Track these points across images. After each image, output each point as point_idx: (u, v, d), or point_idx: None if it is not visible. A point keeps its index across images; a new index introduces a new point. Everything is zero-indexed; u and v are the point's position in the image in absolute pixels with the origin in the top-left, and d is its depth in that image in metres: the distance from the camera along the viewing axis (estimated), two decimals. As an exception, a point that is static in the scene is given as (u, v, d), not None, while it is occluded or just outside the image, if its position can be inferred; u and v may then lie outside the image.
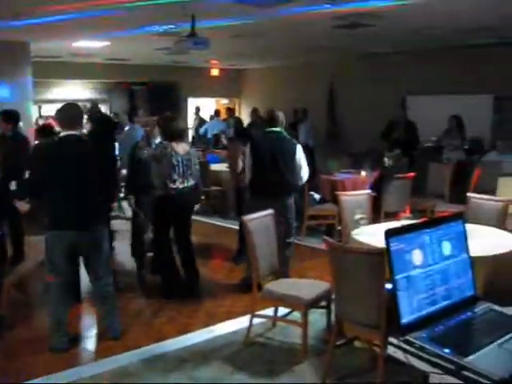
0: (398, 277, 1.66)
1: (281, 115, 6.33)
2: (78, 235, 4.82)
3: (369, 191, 6.35)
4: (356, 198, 6.10)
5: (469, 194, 6.19)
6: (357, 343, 4.67)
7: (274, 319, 5.25)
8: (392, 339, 1.63)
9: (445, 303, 1.79)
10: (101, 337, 5.24)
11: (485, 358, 1.54)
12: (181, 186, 6.09)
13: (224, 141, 13.91)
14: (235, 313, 5.68)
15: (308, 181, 6.73)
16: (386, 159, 8.98)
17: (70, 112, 4.98)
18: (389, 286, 1.64)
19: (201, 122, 16.44)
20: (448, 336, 1.65)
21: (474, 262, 4.04)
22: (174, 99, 17.23)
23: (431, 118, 12.20)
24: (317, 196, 8.86)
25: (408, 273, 1.69)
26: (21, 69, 11.14)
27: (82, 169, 4.83)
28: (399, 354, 1.62)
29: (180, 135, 6.28)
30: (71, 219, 4.79)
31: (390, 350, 1.65)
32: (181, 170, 6.08)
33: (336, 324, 4.23)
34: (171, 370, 4.52)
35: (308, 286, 4.87)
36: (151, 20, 8.62)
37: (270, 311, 5.26)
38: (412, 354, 1.60)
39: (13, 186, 6.87)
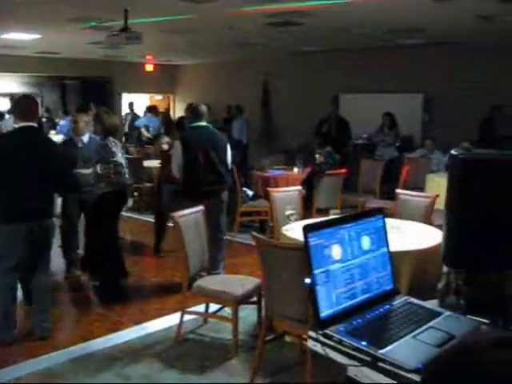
0: (316, 271, 1.68)
1: (203, 108, 6.24)
2: (30, 227, 4.74)
3: (299, 187, 6.41)
4: (287, 194, 6.15)
5: (397, 191, 6.33)
6: (287, 338, 4.71)
7: (206, 315, 5.25)
8: (311, 333, 1.65)
9: (364, 297, 1.83)
10: (29, 336, 5.11)
11: (400, 349, 1.58)
12: (124, 183, 6.05)
13: (147, 135, 13.90)
14: (167, 310, 5.65)
15: (241, 177, 6.75)
16: (317, 156, 9.09)
17: (25, 104, 4.89)
18: (308, 280, 1.66)
19: (134, 117, 16.27)
20: (365, 329, 1.68)
21: (401, 256, 4.21)
22: (107, 94, 16.98)
23: (363, 116, 12.42)
24: (250, 192, 8.90)
25: (327, 267, 1.72)
26: None
27: (37, 160, 4.74)
28: (319, 348, 1.64)
29: (113, 132, 6.15)
30: (25, 211, 4.71)
31: (310, 344, 1.67)
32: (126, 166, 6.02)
33: (266, 319, 4.26)
34: (100, 369, 4.46)
35: (238, 282, 4.88)
36: (83, 13, 8.46)
37: (201, 308, 5.26)
38: (330, 347, 1.63)
39: None
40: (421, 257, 4.36)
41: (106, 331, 5.19)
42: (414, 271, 4.28)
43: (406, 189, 6.89)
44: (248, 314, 5.29)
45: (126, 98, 17.65)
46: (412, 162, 9.96)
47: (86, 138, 6.65)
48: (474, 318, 2.11)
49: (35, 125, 4.88)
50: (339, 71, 13.44)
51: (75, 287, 6.56)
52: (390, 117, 11.10)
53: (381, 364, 1.54)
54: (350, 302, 1.78)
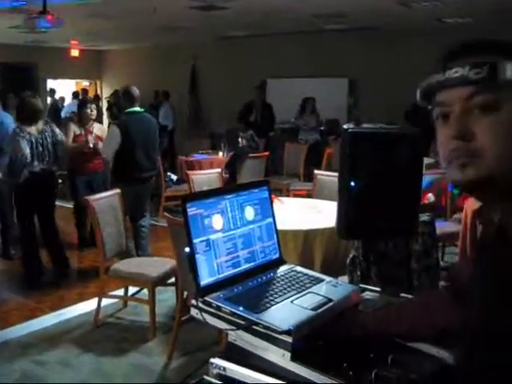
0: (196, 240, 1.71)
1: (137, 92, 6.14)
2: None
3: (219, 170, 6.45)
4: (206, 176, 6.19)
5: (316, 171, 6.44)
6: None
7: (124, 299, 5.25)
8: (193, 301, 1.69)
9: (247, 266, 1.87)
10: None
11: (275, 313, 1.63)
12: (37, 169, 5.85)
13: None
14: (87, 295, 5.61)
15: (166, 162, 6.75)
16: (239, 139, 9.14)
17: None
18: (187, 249, 1.69)
19: (56, 103, 15.95)
20: (245, 296, 1.72)
21: (314, 234, 4.30)
22: (31, 80, 16.55)
23: (289, 101, 12.54)
24: (174, 177, 8.89)
25: (207, 237, 1.75)
26: None
27: None
28: (199, 315, 1.68)
29: (34, 117, 5.93)
30: None
31: (193, 312, 1.70)
32: (35, 151, 5.84)
33: (180, 299, 4.30)
34: (15, 356, 4.40)
35: (155, 264, 4.90)
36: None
37: (121, 292, 5.25)
38: (210, 313, 1.66)
39: None
40: (334, 235, 4.45)
41: (23, 319, 5.11)
42: (327, 249, 4.38)
43: (332, 171, 6.99)
44: (169, 297, 5.30)
45: (52, 84, 17.26)
46: (337, 144, 10.10)
47: None
48: (370, 287, 2.20)
49: None
50: (266, 56, 13.53)
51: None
52: (312, 100, 11.23)
53: (255, 327, 1.58)
54: (233, 271, 1.81)
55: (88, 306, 5.31)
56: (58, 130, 6.13)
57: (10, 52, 15.42)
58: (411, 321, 1.66)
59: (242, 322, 1.60)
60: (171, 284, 4.97)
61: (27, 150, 5.70)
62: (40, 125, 5.96)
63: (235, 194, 1.87)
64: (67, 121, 7.16)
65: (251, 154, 8.57)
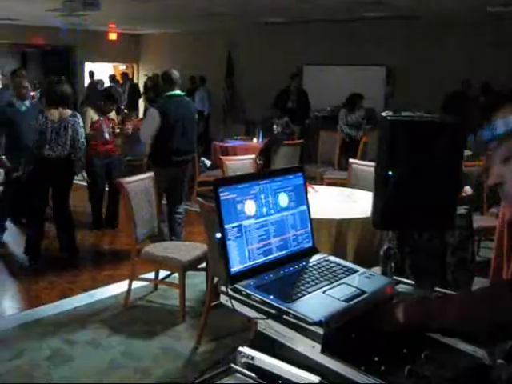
0: (227, 226, 1.67)
1: (177, 75, 6.11)
2: None
3: (253, 156, 6.41)
4: (240, 162, 6.16)
5: (351, 160, 6.36)
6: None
7: (155, 282, 5.26)
8: (223, 288, 1.65)
9: (279, 254, 1.82)
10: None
11: (306, 303, 1.59)
12: (50, 154, 5.87)
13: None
14: (118, 277, 5.64)
15: (201, 147, 6.74)
16: (274, 126, 9.08)
17: None
18: (218, 235, 1.65)
19: (94, 85, 16.03)
20: (276, 284, 1.68)
21: (347, 223, 4.25)
22: (69, 63, 16.70)
23: (326, 88, 12.43)
24: (207, 162, 8.88)
25: (239, 222, 1.71)
26: None
27: None
28: (229, 302, 1.65)
29: (60, 102, 5.96)
30: None
31: (222, 299, 1.67)
32: (50, 137, 5.85)
33: (210, 284, 4.28)
34: (46, 334, 4.45)
35: (186, 249, 4.89)
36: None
37: (151, 275, 5.26)
38: (240, 301, 1.63)
39: None
40: (368, 225, 4.39)
41: (54, 298, 5.18)
42: (361, 239, 4.33)
43: (367, 160, 6.91)
44: (199, 282, 5.31)
45: (89, 67, 17.38)
46: (373, 135, 9.95)
47: (28, 103, 6.57)
48: (405, 280, 2.14)
49: None
50: (303, 43, 13.42)
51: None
52: (360, 98, 10.76)
53: (286, 317, 1.54)
54: (264, 259, 1.77)
55: (119, 288, 5.33)
56: (81, 126, 6.12)
57: (50, 35, 15.53)
58: (461, 314, 1.59)
59: (272, 311, 1.57)
60: (202, 269, 4.97)
61: (37, 136, 5.77)
62: (65, 113, 5.97)
63: (269, 179, 1.82)
64: (86, 107, 7.16)
65: (286, 141, 8.51)
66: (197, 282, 5.31)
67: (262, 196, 1.79)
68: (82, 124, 6.13)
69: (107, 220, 7.43)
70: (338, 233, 4.23)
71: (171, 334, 4.51)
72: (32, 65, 16.52)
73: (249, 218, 1.74)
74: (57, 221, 6.24)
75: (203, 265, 4.91)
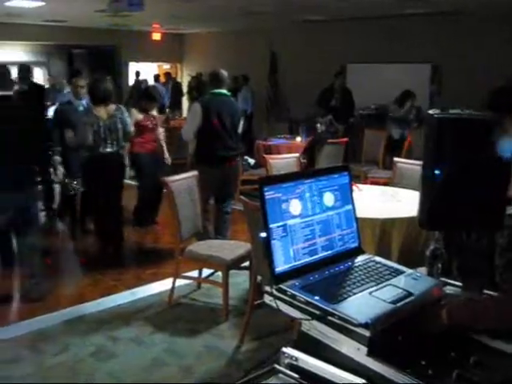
0: (272, 225, 1.66)
1: (224, 75, 6.12)
2: (13, 196, 4.75)
3: (297, 154, 6.38)
4: (284, 161, 6.14)
5: (395, 159, 6.28)
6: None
7: (198, 280, 5.27)
8: (267, 288, 1.64)
9: (325, 254, 1.80)
10: (23, 298, 5.17)
11: (352, 305, 1.56)
12: (103, 151, 5.96)
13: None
14: (161, 275, 5.67)
15: (244, 145, 6.72)
16: (318, 125, 9.03)
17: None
18: (263, 234, 1.64)
19: (138, 85, 16.19)
20: (322, 285, 1.66)
21: (392, 222, 4.19)
22: (114, 63, 16.90)
23: (370, 87, 12.30)
24: (251, 161, 8.88)
25: (284, 222, 1.69)
26: None
27: (11, 129, 4.71)
28: (273, 302, 1.63)
29: (104, 99, 6.04)
30: (3, 180, 4.70)
31: (266, 299, 1.66)
32: (103, 135, 5.95)
33: (254, 283, 4.27)
34: (90, 331, 4.51)
35: (230, 247, 4.89)
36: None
37: (195, 273, 5.28)
38: (284, 301, 1.62)
39: None
40: (413, 225, 4.33)
41: (98, 295, 5.23)
42: (405, 238, 4.27)
43: (413, 159, 6.80)
44: (243, 280, 5.30)
45: (134, 67, 17.57)
46: (419, 134, 9.79)
47: (85, 102, 6.68)
48: (452, 281, 2.09)
49: (10, 93, 4.86)
50: (347, 41, 13.30)
51: (73, 250, 6.60)
52: (413, 96, 10.52)
53: (331, 318, 1.52)
54: (310, 259, 1.75)
55: (162, 285, 5.36)
56: (128, 119, 6.23)
57: (95, 35, 15.76)
58: (506, 315, 1.55)
59: (317, 312, 1.55)
60: (245, 268, 4.96)
61: (90, 135, 5.83)
62: (111, 109, 6.06)
63: (314, 178, 1.81)
64: (130, 107, 7.26)
65: (330, 140, 8.46)
66: (240, 280, 5.31)
67: (308, 195, 1.78)
68: (127, 114, 6.26)
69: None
70: (382, 232, 4.18)
71: (214, 332, 4.51)
72: (78, 65, 16.72)
73: (294, 217, 1.72)
74: (108, 217, 6.31)
75: (246, 263, 4.90)
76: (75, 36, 15.65)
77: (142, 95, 7.42)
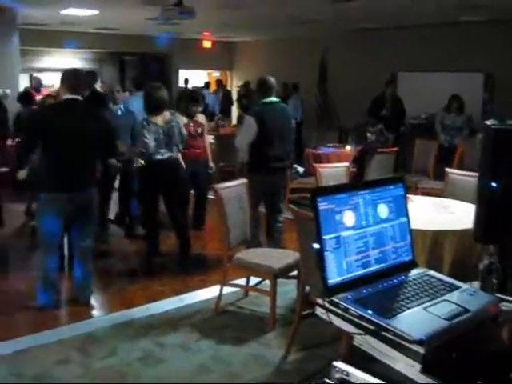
0: (325, 237, 1.63)
1: (274, 82, 6.07)
2: (73, 197, 4.84)
3: (346, 164, 6.33)
4: (333, 170, 6.09)
5: (447, 170, 6.16)
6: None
7: (245, 288, 5.26)
8: (319, 300, 1.62)
9: (378, 267, 1.76)
10: (73, 301, 5.25)
11: (406, 320, 1.52)
12: (162, 157, 6.01)
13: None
14: (209, 282, 5.68)
15: (293, 153, 6.68)
16: (368, 134, 8.96)
17: (74, 77, 4.96)
18: (316, 246, 1.61)
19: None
20: (374, 298, 1.63)
21: (444, 235, 4.11)
22: (164, 70, 17.10)
23: (421, 95, 12.15)
24: (300, 169, 8.85)
25: (338, 233, 1.66)
26: (7, 36, 10.99)
27: (82, 132, 4.84)
28: (325, 315, 1.60)
29: (159, 108, 6.08)
30: (69, 181, 4.82)
31: (318, 311, 1.63)
32: (162, 141, 6.00)
33: (302, 293, 4.24)
34: (138, 336, 4.54)
35: (278, 256, 4.86)
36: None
37: (242, 281, 5.27)
38: (336, 314, 1.59)
39: None
40: (466, 237, 4.23)
41: (146, 300, 5.28)
42: (457, 251, 4.18)
43: (465, 170, 6.67)
44: (290, 290, 5.27)
45: (186, 74, 17.75)
46: (470, 143, 9.61)
47: (122, 107, 6.78)
48: (508, 298, 2.03)
49: (80, 98, 4.95)
50: (397, 49, 13.18)
51: (122, 256, 6.66)
52: (459, 100, 10.44)
53: (384, 333, 1.49)
54: (363, 271, 1.72)
55: (209, 292, 5.37)
56: (182, 123, 6.28)
57: (147, 43, 16.00)
58: None
59: (371, 327, 1.52)
60: (293, 277, 4.92)
61: (152, 143, 5.88)
62: (167, 115, 6.10)
63: (369, 189, 1.78)
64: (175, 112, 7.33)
65: (380, 149, 8.37)
66: (287, 289, 5.28)
67: (362, 206, 1.75)
68: (180, 120, 6.30)
69: (193, 223, 7.56)
70: (433, 244, 4.10)
71: (261, 340, 4.49)
72: (130, 72, 17.04)
73: (347, 229, 1.70)
74: (173, 221, 6.34)
75: (294, 273, 4.86)
76: (127, 43, 15.94)
77: (185, 98, 7.47)
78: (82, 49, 16.38)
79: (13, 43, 11.13)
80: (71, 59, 16.71)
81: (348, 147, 9.08)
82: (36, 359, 4.20)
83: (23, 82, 13.09)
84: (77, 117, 4.86)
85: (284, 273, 4.75)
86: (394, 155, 8.34)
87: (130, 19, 12.36)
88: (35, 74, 15.69)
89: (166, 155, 6.00)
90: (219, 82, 17.27)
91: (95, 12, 11.31)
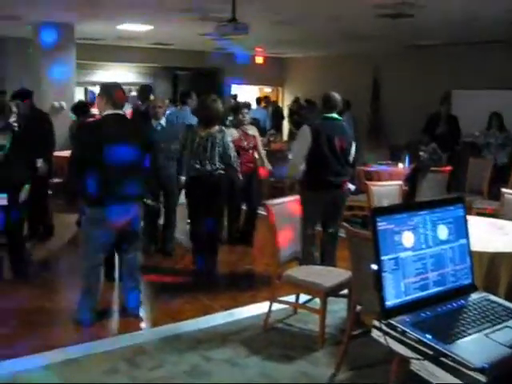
0: (384, 258, 1.60)
1: (338, 99, 6.00)
2: (123, 210, 4.88)
3: (399, 182, 6.23)
4: (385, 188, 6.02)
5: (503, 190, 6.01)
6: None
7: (294, 305, 5.22)
8: (375, 322, 1.58)
9: (437, 289, 1.72)
10: (121, 313, 5.32)
11: (467, 346, 1.47)
12: (200, 171, 6.06)
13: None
14: (258, 298, 5.66)
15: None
16: (421, 152, 8.82)
17: (116, 91, 5.01)
18: (374, 266, 1.58)
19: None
20: (433, 322, 1.58)
21: (501, 257, 4.00)
22: (216, 85, 17.23)
23: (474, 114, 11.93)
24: (351, 187, 8.75)
25: (396, 254, 1.63)
26: (66, 50, 11.26)
27: (127, 146, 4.88)
28: (382, 338, 1.56)
29: (211, 122, 6.15)
30: (117, 195, 4.84)
31: (374, 334, 1.59)
32: (203, 154, 6.05)
33: (353, 313, 4.18)
34: (186, 349, 4.54)
35: (329, 274, 4.82)
36: (192, 4, 8.59)
37: (292, 298, 5.23)
38: (394, 337, 1.54)
39: (39, 163, 6.97)
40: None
41: (195, 314, 5.28)
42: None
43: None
44: (340, 308, 5.21)
45: (235, 90, 17.86)
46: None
47: (163, 122, 6.83)
48: None
49: (122, 112, 5.01)
50: (451, 66, 12.99)
51: (170, 269, 6.68)
52: (498, 117, 10.43)
53: (444, 359, 1.44)
54: (421, 294, 1.68)
55: (258, 308, 5.34)
56: (229, 142, 6.26)
57: (199, 58, 16.17)
58: None
59: (429, 352, 1.47)
60: (343, 295, 4.86)
61: (192, 158, 5.99)
62: (213, 130, 6.14)
63: (428, 210, 1.73)
64: (227, 127, 7.41)
65: (433, 168, 8.23)
66: (336, 308, 5.22)
67: (421, 227, 1.71)
68: (229, 139, 6.29)
69: (241, 237, 7.56)
70: (489, 266, 4.00)
71: (309, 359, 4.44)
72: (182, 86, 17.20)
73: (406, 249, 1.66)
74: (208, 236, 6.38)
75: (345, 291, 4.80)
76: (180, 58, 16.14)
77: (230, 109, 7.56)
78: (136, 63, 16.65)
79: (70, 57, 11.38)
80: (125, 73, 17.01)
81: (400, 165, 8.97)
82: (85, 369, 4.25)
83: (78, 95, 13.35)
84: (123, 131, 4.90)
85: (334, 291, 4.70)
86: (448, 174, 8.20)
87: (184, 34, 12.51)
88: (90, 88, 16.06)
89: (203, 169, 6.04)
90: (267, 99, 17.27)
91: (150, 27, 11.50)
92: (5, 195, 5.73)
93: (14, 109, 6.81)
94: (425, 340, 1.49)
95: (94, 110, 7.92)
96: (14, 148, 5.90)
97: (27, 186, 5.94)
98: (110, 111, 4.90)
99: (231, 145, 6.30)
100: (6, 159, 5.81)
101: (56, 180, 8.79)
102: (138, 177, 5.01)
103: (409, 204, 2.13)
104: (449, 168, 8.29)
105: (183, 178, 6.49)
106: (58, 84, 11.03)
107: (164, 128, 6.83)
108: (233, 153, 6.29)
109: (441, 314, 1.65)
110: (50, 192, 8.52)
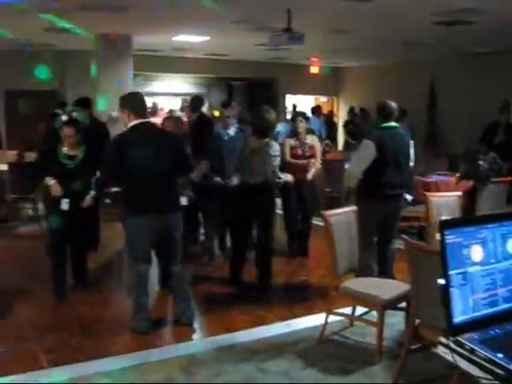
0: (452, 272, 1.54)
1: (394, 107, 5.87)
2: (161, 219, 4.92)
3: (459, 193, 6.08)
4: (445, 199, 5.89)
5: None
6: (435, 349, 4.47)
7: (351, 318, 5.14)
8: (442, 339, 1.52)
9: (506, 306, 1.65)
10: (175, 322, 5.33)
11: (542, 368, 1.40)
12: (248, 180, 6.06)
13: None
14: (314, 309, 5.60)
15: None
16: (480, 162, 8.59)
17: (141, 100, 5.07)
18: (441, 281, 1.52)
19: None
20: (504, 340, 1.52)
21: None
22: (271, 95, 17.27)
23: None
24: (409, 197, 8.59)
25: (465, 269, 1.57)
26: (122, 61, 11.46)
27: (163, 155, 4.91)
28: (449, 355, 1.51)
29: (266, 134, 6.15)
30: (154, 204, 4.88)
31: (440, 351, 1.54)
32: (246, 162, 6.06)
33: (411, 327, 4.08)
34: (241, 360, 4.52)
35: (387, 286, 4.72)
36: (247, 15, 8.64)
37: (348, 310, 5.16)
38: (462, 355, 1.48)
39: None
40: None
41: (250, 324, 5.26)
42: None
43: None
44: (398, 321, 5.11)
45: (292, 100, 17.86)
46: None
47: (232, 132, 6.85)
48: None
49: (148, 120, 5.05)
50: (510, 74, 12.68)
51: (224, 277, 6.68)
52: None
53: (516, 380, 1.38)
54: (490, 310, 1.61)
55: (315, 320, 5.27)
56: (273, 154, 6.18)
57: (254, 68, 16.26)
58: None
59: (501, 372, 1.41)
60: (401, 309, 4.76)
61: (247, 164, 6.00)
62: (263, 141, 6.14)
63: (498, 223, 1.67)
64: (284, 139, 7.44)
65: (493, 179, 8.02)
66: (394, 321, 5.11)
67: (490, 241, 1.64)
68: (274, 153, 6.19)
69: (295, 249, 7.56)
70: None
71: (366, 372, 4.35)
72: (237, 97, 17.32)
73: (475, 264, 1.60)
74: (256, 249, 6.37)
75: (403, 304, 4.70)
76: (234, 69, 16.24)
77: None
78: (191, 74, 16.82)
79: (127, 68, 11.59)
80: (181, 83, 17.21)
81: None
82: (141, 376, 4.27)
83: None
84: (153, 139, 4.93)
85: (392, 304, 4.61)
86: (508, 185, 7.99)
87: (238, 45, 12.60)
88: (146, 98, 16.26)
89: (250, 179, 6.05)
90: (318, 108, 17.11)
91: (206, 38, 11.61)
92: (67, 200, 5.82)
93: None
94: (495, 359, 1.42)
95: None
96: (84, 159, 6.02)
97: (93, 193, 6.01)
98: (135, 121, 4.93)
99: (277, 158, 6.26)
100: (78, 169, 5.94)
101: (114, 189, 8.91)
102: (173, 184, 5.06)
103: (477, 217, 2.07)
104: (509, 179, 8.07)
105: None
106: (115, 95, 11.22)
107: (232, 138, 6.87)
108: (276, 164, 6.23)
109: (511, 331, 1.58)
110: (108, 201, 8.66)
